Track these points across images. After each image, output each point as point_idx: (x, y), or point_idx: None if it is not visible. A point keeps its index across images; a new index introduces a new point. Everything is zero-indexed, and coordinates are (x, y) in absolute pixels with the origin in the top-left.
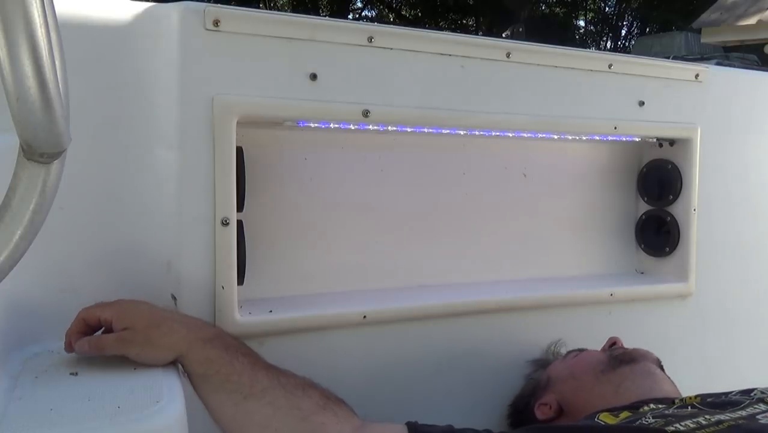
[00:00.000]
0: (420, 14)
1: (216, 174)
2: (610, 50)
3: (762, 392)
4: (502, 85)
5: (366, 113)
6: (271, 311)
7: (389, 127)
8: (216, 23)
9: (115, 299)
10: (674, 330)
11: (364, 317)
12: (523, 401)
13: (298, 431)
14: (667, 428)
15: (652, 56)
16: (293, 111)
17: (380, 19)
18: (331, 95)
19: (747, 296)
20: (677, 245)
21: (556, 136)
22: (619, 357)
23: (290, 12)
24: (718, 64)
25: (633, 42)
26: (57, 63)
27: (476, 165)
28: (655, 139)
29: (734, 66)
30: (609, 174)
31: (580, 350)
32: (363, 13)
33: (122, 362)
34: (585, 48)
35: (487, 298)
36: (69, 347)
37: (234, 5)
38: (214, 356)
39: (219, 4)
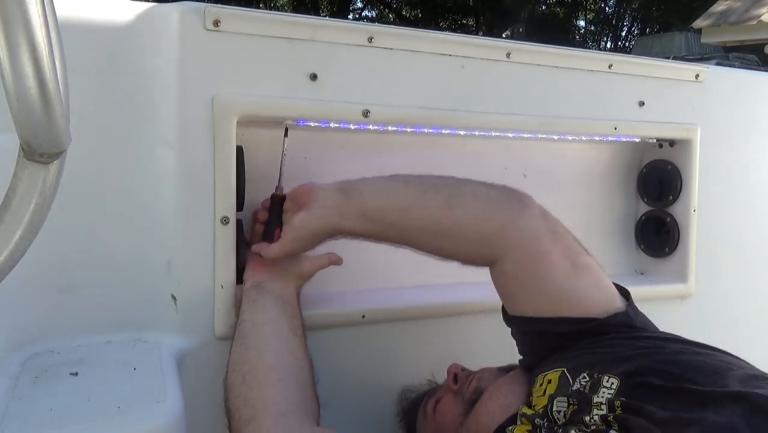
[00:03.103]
0: (420, 14)
1: (216, 173)
2: (610, 50)
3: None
4: (502, 85)
5: (366, 113)
6: None
7: (389, 127)
8: (216, 23)
9: (115, 298)
10: (674, 331)
11: (363, 316)
12: None
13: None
14: None
15: (652, 56)
16: (293, 111)
17: (380, 19)
18: (331, 95)
19: (747, 297)
20: (677, 245)
21: (556, 137)
22: (470, 399)
23: (290, 12)
24: (718, 64)
25: (633, 42)
26: (57, 63)
27: (476, 165)
28: (655, 140)
29: (734, 66)
30: (609, 175)
31: (433, 393)
32: (363, 14)
33: (122, 362)
34: (585, 48)
35: (486, 297)
36: None
37: (234, 5)
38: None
39: (219, 4)
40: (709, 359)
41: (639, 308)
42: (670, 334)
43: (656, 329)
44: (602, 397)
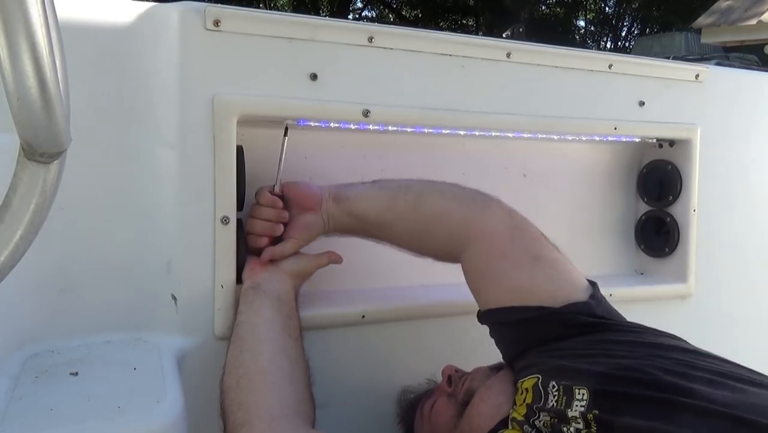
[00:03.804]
0: (420, 14)
1: (216, 173)
2: (610, 50)
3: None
4: (502, 85)
5: (366, 113)
6: None
7: (389, 127)
8: (216, 23)
9: (115, 298)
10: (674, 331)
11: (363, 316)
12: None
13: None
14: None
15: (652, 56)
16: (293, 110)
17: (380, 19)
18: (331, 95)
19: (747, 297)
20: (677, 245)
21: (556, 137)
22: (463, 400)
23: (290, 12)
24: (718, 64)
25: (633, 42)
26: (57, 63)
27: (476, 165)
28: (655, 140)
29: (734, 66)
30: (609, 175)
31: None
32: (363, 13)
33: (122, 361)
34: (585, 48)
35: None
36: None
37: (234, 5)
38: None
39: (219, 4)
40: (671, 356)
41: (638, 308)
42: (633, 326)
43: (621, 319)
44: (576, 411)
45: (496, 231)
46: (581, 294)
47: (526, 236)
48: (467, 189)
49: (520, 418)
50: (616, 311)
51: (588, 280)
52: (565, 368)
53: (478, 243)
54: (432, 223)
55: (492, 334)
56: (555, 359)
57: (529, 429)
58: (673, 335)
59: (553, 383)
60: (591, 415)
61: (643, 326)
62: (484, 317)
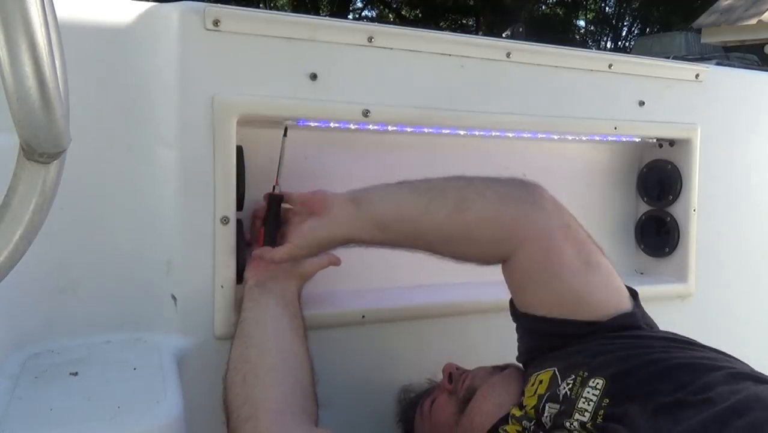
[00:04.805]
0: (420, 14)
1: (216, 173)
2: (610, 50)
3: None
4: (502, 85)
5: (366, 113)
6: None
7: (389, 127)
8: (216, 23)
9: (115, 298)
10: (674, 331)
11: (363, 316)
12: None
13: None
14: None
15: (652, 56)
16: (293, 110)
17: (380, 19)
18: (331, 95)
19: (747, 297)
20: (677, 245)
21: (556, 137)
22: (464, 397)
23: (290, 12)
24: (718, 64)
25: (633, 42)
26: (57, 63)
27: (476, 165)
28: (655, 140)
29: (734, 66)
30: (609, 174)
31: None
32: (363, 13)
33: (122, 361)
34: (585, 48)
35: (486, 297)
36: None
37: (234, 5)
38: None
39: (219, 4)
40: (696, 355)
41: None
42: (666, 333)
43: (659, 329)
44: (586, 402)
45: (549, 230)
46: (627, 304)
47: (577, 237)
48: (509, 183)
49: (518, 414)
50: (652, 319)
51: (627, 286)
52: (586, 361)
53: (530, 243)
54: (478, 228)
55: (521, 332)
56: (578, 353)
57: (528, 424)
58: (697, 342)
59: (573, 375)
60: (602, 410)
61: (672, 333)
62: (524, 319)
